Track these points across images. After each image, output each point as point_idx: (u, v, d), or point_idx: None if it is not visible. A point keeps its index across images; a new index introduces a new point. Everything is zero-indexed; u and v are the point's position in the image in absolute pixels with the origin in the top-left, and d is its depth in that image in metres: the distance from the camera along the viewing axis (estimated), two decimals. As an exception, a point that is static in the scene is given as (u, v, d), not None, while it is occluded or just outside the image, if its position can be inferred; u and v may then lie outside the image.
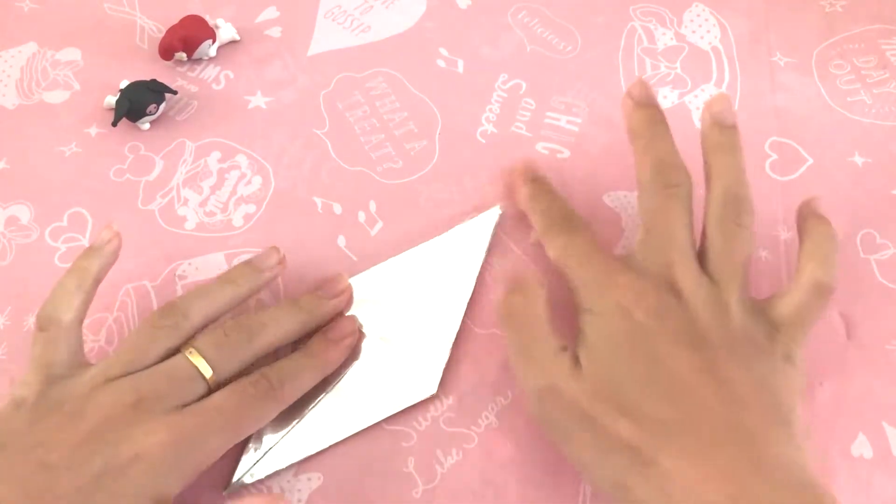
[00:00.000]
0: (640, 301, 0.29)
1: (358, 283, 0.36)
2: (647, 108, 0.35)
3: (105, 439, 0.28)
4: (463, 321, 0.36)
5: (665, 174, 0.33)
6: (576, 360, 0.30)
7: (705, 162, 0.34)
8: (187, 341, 0.31)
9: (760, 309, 0.31)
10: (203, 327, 0.32)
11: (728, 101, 0.34)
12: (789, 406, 0.28)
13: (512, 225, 0.38)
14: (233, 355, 0.31)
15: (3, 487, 0.27)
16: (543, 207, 0.35)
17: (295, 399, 0.32)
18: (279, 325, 0.33)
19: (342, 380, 0.34)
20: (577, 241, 0.33)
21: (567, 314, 0.32)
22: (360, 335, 0.35)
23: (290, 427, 0.33)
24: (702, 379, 0.28)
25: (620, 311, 0.30)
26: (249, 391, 0.31)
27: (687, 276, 0.30)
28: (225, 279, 0.34)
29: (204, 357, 0.31)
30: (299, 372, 0.32)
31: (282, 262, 0.35)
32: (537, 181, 0.36)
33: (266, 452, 0.33)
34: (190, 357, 0.31)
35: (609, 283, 0.31)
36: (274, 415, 0.32)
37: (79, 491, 0.27)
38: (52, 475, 0.27)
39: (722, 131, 0.33)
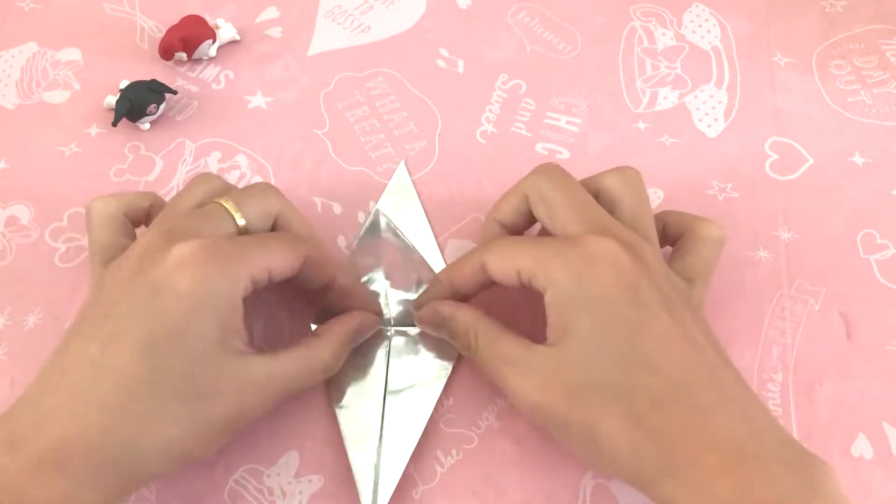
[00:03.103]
0: (615, 258, 0.29)
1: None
2: None
3: (145, 267, 0.28)
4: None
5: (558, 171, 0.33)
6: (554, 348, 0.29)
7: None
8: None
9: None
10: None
11: None
12: (716, 340, 0.30)
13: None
14: (256, 204, 0.32)
15: (77, 347, 0.28)
16: (445, 283, 0.33)
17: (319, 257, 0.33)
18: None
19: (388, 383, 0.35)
20: (499, 243, 0.32)
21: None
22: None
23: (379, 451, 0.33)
24: (683, 344, 0.28)
25: (592, 272, 0.28)
26: (282, 233, 0.33)
27: (627, 235, 0.30)
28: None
29: (235, 203, 0.31)
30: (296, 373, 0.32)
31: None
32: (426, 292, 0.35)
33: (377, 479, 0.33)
34: (222, 202, 0.31)
35: (568, 249, 0.29)
36: (300, 259, 0.31)
37: (136, 317, 0.27)
38: (112, 313, 0.28)
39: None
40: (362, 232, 0.38)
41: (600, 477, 0.33)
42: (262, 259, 0.30)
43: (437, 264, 0.37)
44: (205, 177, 0.34)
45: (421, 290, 0.35)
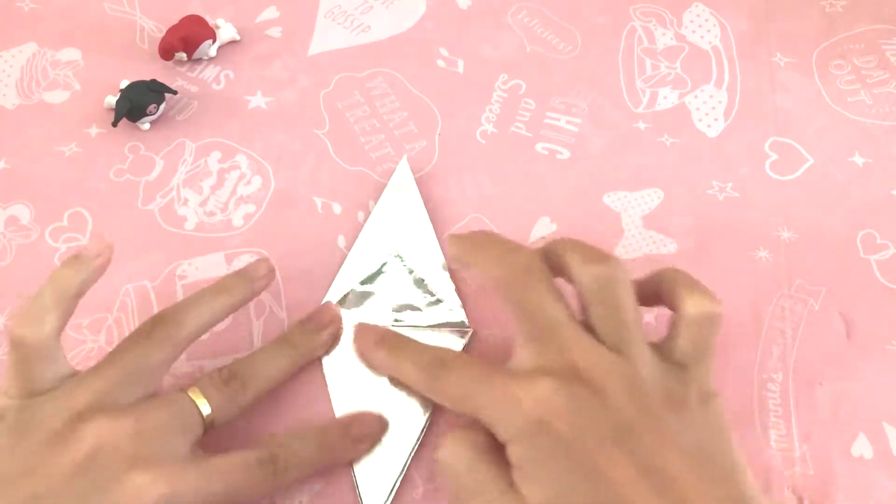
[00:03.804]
0: (550, 408, 0.26)
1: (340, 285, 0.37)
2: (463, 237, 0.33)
3: (98, 476, 0.26)
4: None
5: (515, 262, 0.30)
6: (521, 498, 0.26)
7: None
8: (189, 387, 0.31)
9: (663, 355, 0.28)
10: (196, 337, 0.31)
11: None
12: (725, 454, 0.27)
13: (508, 222, 0.38)
14: (231, 403, 0.31)
15: None
16: (406, 361, 0.32)
17: (294, 483, 0.32)
18: (271, 367, 0.33)
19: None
20: (454, 379, 0.29)
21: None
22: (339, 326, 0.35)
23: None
24: (641, 483, 0.25)
25: (537, 428, 0.26)
26: (254, 470, 0.29)
27: (585, 355, 0.27)
28: (217, 288, 0.33)
29: (205, 397, 0.30)
30: (306, 454, 0.31)
31: (271, 272, 0.34)
32: (387, 337, 0.33)
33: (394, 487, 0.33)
34: (190, 394, 0.30)
35: (511, 404, 0.26)
36: (271, 494, 0.31)
37: None
38: None
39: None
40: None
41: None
42: (221, 483, 0.28)
43: (437, 261, 0.37)
44: (160, 324, 0.31)
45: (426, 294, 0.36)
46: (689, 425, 0.26)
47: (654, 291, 0.30)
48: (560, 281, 0.30)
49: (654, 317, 0.36)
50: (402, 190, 0.39)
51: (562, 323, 0.28)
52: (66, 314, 0.30)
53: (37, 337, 0.28)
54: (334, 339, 0.35)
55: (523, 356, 0.28)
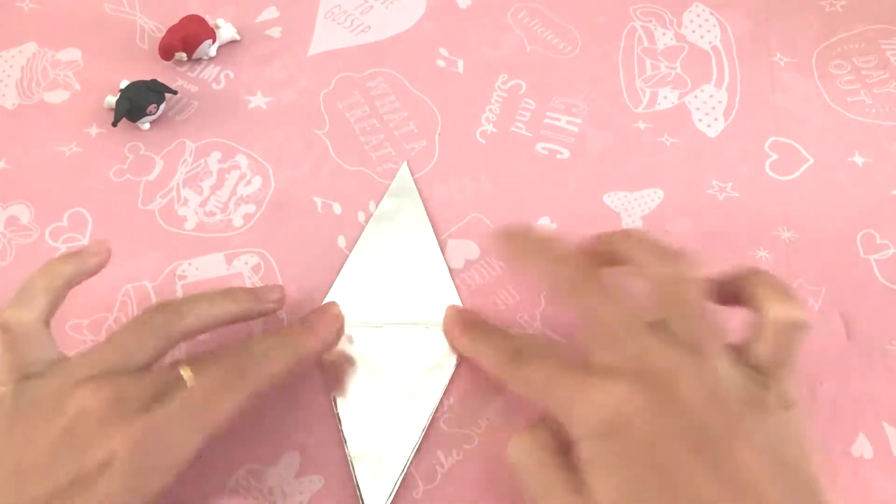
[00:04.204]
0: (626, 409, 0.26)
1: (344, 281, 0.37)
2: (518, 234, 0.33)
3: (77, 442, 0.26)
4: (463, 321, 0.36)
5: (569, 271, 0.30)
6: (592, 499, 0.26)
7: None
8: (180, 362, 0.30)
9: (743, 358, 0.28)
10: (192, 333, 0.31)
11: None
12: (805, 465, 0.26)
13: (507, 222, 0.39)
14: (224, 389, 0.29)
15: None
16: (490, 348, 0.32)
17: (268, 385, 0.30)
18: (272, 362, 0.31)
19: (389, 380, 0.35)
20: (534, 369, 0.29)
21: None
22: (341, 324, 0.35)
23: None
24: (719, 488, 0.24)
25: (611, 428, 0.26)
26: (220, 376, 0.29)
27: (662, 356, 0.27)
28: (226, 294, 0.33)
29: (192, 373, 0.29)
30: (273, 356, 0.31)
31: (281, 301, 0.34)
32: (475, 324, 0.34)
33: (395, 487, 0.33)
34: (181, 370, 0.29)
35: (587, 400, 0.26)
36: (245, 401, 0.29)
37: (48, 500, 0.25)
38: (23, 482, 0.26)
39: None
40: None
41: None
42: (189, 445, 0.27)
43: (438, 266, 0.37)
44: (162, 309, 0.31)
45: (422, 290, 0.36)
46: (768, 432, 0.26)
47: (733, 292, 0.29)
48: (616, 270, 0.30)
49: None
50: (402, 194, 0.39)
51: (634, 324, 0.28)
52: (54, 301, 0.30)
53: (23, 320, 0.29)
54: (335, 337, 0.35)
55: (599, 356, 0.28)
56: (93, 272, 0.32)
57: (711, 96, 0.42)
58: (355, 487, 0.32)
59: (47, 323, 0.30)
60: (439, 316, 0.36)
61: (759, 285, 0.29)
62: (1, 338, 0.29)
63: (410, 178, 0.39)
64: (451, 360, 0.35)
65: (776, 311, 0.28)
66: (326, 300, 0.36)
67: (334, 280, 0.37)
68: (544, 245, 0.32)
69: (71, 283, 0.31)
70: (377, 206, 0.39)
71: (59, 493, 0.26)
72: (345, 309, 0.36)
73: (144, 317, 0.31)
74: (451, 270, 0.37)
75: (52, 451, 0.26)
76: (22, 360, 0.29)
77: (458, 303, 0.36)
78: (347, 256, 0.38)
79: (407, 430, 0.33)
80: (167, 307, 0.31)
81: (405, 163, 0.40)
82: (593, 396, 0.26)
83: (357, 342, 0.35)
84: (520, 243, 0.32)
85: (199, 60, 0.43)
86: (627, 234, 0.31)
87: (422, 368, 0.35)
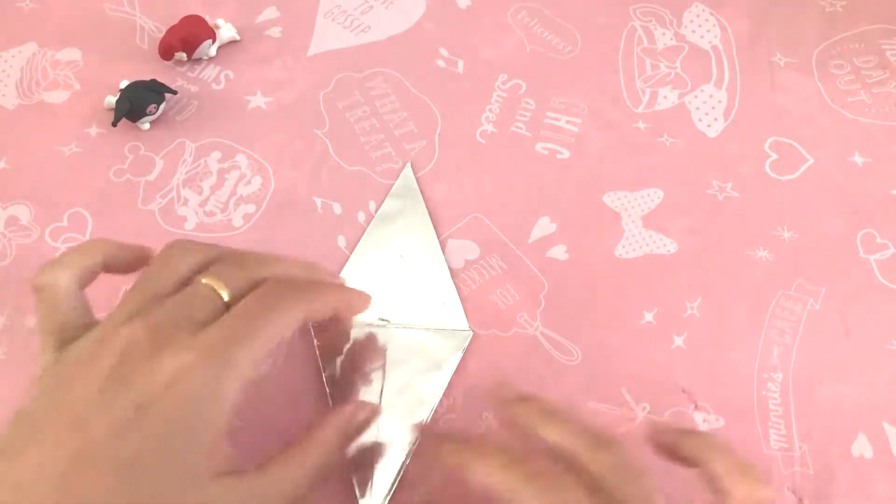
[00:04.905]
0: None
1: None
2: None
3: (128, 375, 0.25)
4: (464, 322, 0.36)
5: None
6: None
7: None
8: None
9: None
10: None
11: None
12: None
13: (508, 222, 0.39)
14: (245, 277, 0.28)
15: (38, 459, 0.24)
16: (563, 428, 0.28)
17: (318, 301, 0.29)
18: (305, 300, 0.29)
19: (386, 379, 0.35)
20: (623, 456, 0.27)
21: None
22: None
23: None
24: None
25: None
26: (270, 290, 0.28)
27: None
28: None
29: (220, 280, 0.28)
30: (306, 294, 0.29)
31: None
32: (535, 402, 0.30)
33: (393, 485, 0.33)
34: (204, 280, 0.28)
35: None
36: (300, 315, 0.28)
37: (116, 434, 0.24)
38: (84, 426, 0.24)
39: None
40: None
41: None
42: (263, 342, 0.26)
43: (439, 268, 0.37)
44: (182, 247, 0.29)
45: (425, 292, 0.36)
46: None
47: (683, 455, 0.28)
48: None
49: (653, 315, 0.37)
50: (405, 195, 0.39)
51: None
52: (89, 270, 0.29)
53: (57, 282, 0.28)
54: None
55: None
56: (128, 267, 0.31)
57: (711, 96, 0.42)
58: (354, 487, 0.32)
59: (82, 287, 0.29)
60: (439, 317, 0.36)
61: (717, 460, 0.28)
62: (38, 308, 0.28)
63: (413, 178, 0.39)
64: (452, 360, 0.35)
65: (742, 491, 0.27)
66: None
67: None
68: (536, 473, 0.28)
69: (107, 262, 0.30)
70: (378, 206, 0.39)
71: (124, 425, 0.24)
72: None
73: (165, 249, 0.29)
74: (451, 271, 0.37)
75: (104, 390, 0.25)
76: (58, 322, 0.28)
77: (460, 305, 0.36)
78: (348, 256, 0.38)
79: (406, 429, 0.33)
80: (184, 242, 0.30)
81: (409, 164, 0.40)
82: None
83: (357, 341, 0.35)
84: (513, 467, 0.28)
85: (199, 60, 0.43)
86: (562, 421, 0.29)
87: (422, 368, 0.35)
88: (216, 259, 0.29)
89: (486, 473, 0.26)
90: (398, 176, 0.40)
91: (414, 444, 0.33)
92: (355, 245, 0.38)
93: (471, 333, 0.36)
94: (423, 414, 0.34)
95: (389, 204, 0.39)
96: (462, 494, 0.28)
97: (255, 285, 0.28)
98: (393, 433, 0.33)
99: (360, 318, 0.36)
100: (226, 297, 0.28)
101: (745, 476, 0.27)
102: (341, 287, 0.31)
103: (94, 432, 0.24)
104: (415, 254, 0.38)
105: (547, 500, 0.25)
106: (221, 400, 0.25)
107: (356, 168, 0.40)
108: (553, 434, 0.28)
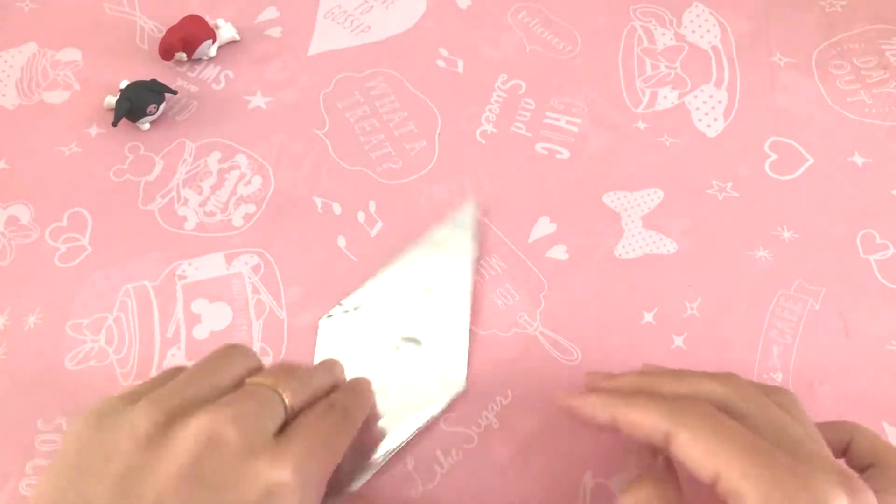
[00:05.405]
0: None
1: (364, 293, 0.37)
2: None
3: (212, 475, 0.23)
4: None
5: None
6: None
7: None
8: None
9: None
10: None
11: None
12: None
13: (508, 222, 0.39)
14: (304, 386, 0.27)
15: None
16: (607, 416, 0.27)
17: (364, 418, 0.29)
18: (359, 410, 0.29)
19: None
20: (703, 421, 0.25)
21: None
22: None
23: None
24: None
25: None
26: (333, 412, 0.27)
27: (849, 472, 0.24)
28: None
29: (281, 383, 0.27)
30: (358, 394, 0.29)
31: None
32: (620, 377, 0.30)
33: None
34: (267, 381, 0.26)
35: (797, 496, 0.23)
36: (354, 434, 0.28)
37: None
38: None
39: None
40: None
41: (600, 476, 0.33)
42: (326, 476, 0.26)
43: (461, 311, 0.36)
44: (240, 350, 0.28)
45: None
46: None
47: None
48: None
49: (653, 315, 0.37)
50: (458, 227, 0.38)
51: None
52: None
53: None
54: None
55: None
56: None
57: (711, 96, 0.42)
58: (355, 487, 0.32)
59: None
60: (437, 364, 0.35)
61: (880, 444, 0.28)
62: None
63: (474, 216, 0.38)
64: (433, 408, 0.34)
65: None
66: (344, 301, 0.36)
67: (336, 280, 0.37)
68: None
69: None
70: (377, 206, 0.39)
71: None
72: (359, 320, 0.35)
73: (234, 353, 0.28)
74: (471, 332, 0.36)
75: (180, 489, 0.23)
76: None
77: (465, 355, 0.35)
78: (348, 257, 0.38)
79: (397, 432, 0.33)
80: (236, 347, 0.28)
81: (475, 202, 0.39)
82: (820, 494, 0.23)
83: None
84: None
85: (199, 60, 0.43)
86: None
87: (404, 402, 0.34)
88: (261, 367, 0.28)
89: (643, 415, 0.26)
90: (399, 178, 0.40)
91: (401, 446, 0.33)
92: (356, 246, 0.38)
93: (464, 388, 0.35)
94: (383, 449, 0.33)
95: (440, 232, 0.38)
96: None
97: (314, 394, 0.27)
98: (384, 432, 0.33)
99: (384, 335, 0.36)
100: (287, 400, 0.26)
101: None
102: (368, 387, 0.31)
103: None
104: (442, 290, 0.37)
105: (707, 427, 0.24)
106: None
107: (356, 168, 0.40)
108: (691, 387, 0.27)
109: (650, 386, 0.28)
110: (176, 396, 0.25)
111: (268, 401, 0.26)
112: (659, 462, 0.28)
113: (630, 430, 0.26)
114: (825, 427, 0.28)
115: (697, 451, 0.24)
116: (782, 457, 0.24)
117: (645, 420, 0.26)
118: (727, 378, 0.27)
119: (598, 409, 0.27)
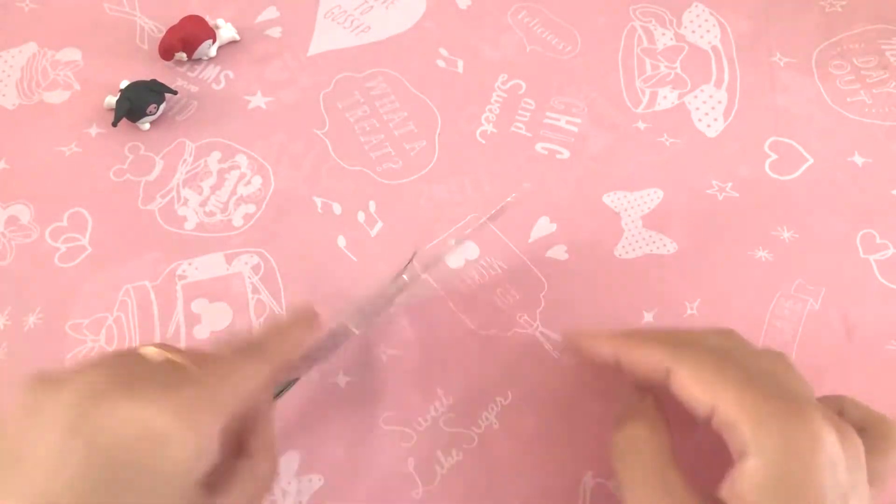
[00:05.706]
0: (832, 454, 0.24)
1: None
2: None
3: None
4: (464, 322, 0.36)
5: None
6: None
7: None
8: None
9: None
10: None
11: None
12: None
13: (507, 222, 0.39)
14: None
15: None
16: (609, 353, 0.29)
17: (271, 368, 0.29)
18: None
19: None
20: (699, 358, 0.26)
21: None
22: None
23: None
24: None
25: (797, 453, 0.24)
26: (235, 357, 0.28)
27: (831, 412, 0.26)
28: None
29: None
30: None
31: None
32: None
33: None
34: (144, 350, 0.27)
35: (790, 423, 0.24)
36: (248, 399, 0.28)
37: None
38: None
39: None
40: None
41: (600, 476, 0.33)
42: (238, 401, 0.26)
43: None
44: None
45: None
46: None
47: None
48: None
49: (653, 315, 0.37)
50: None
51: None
52: None
53: None
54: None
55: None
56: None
57: (711, 96, 0.42)
58: (355, 487, 0.32)
59: None
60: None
61: (869, 411, 0.29)
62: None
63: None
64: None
65: None
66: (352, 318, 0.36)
67: (336, 280, 0.37)
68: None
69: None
70: (377, 206, 0.39)
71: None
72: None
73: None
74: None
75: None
76: None
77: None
78: (348, 257, 0.38)
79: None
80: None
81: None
82: (812, 424, 0.24)
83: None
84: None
85: (199, 60, 0.43)
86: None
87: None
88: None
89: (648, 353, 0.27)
90: (399, 178, 0.40)
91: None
92: (356, 246, 0.38)
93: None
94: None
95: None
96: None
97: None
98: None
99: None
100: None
101: None
102: (284, 338, 0.31)
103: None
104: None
105: (706, 363, 0.26)
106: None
107: (356, 168, 0.40)
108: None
109: (653, 334, 0.30)
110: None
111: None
112: (648, 401, 0.29)
113: (632, 367, 0.28)
114: (818, 400, 0.28)
115: (696, 385, 0.25)
116: (776, 391, 0.25)
117: (648, 357, 0.27)
118: (728, 331, 0.29)
119: (604, 346, 0.30)
